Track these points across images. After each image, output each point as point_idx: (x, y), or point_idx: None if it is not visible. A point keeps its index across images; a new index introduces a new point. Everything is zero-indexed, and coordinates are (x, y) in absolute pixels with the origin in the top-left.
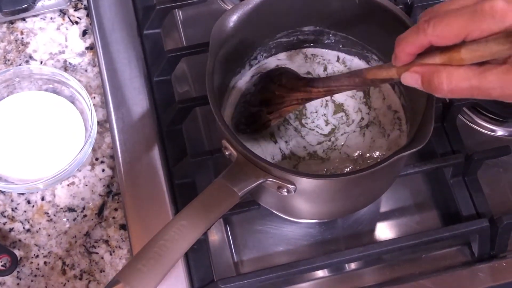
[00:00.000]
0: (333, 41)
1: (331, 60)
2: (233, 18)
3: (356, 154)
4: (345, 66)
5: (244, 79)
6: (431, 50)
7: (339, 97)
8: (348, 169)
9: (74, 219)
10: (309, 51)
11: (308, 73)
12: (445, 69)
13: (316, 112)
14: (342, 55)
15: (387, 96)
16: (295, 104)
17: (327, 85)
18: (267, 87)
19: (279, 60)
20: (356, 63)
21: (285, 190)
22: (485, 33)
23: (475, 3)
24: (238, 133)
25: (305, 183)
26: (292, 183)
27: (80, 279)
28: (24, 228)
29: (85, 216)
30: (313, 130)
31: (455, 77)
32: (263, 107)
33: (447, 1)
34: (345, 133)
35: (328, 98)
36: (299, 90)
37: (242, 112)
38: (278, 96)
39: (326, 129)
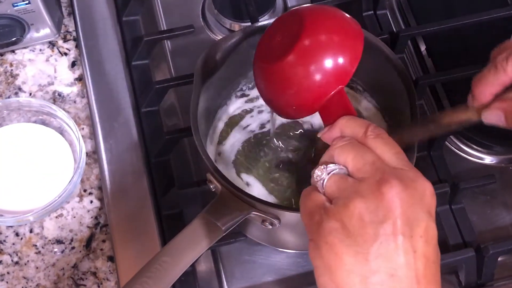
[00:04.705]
0: None
1: None
2: (217, 52)
3: None
4: None
5: (229, 111)
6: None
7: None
8: None
9: (62, 251)
10: None
11: None
12: None
13: None
14: None
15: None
16: None
17: (398, 135)
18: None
19: None
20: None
21: (269, 223)
22: None
23: None
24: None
25: (288, 216)
26: (276, 217)
27: None
28: (12, 260)
29: (73, 248)
30: None
31: None
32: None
33: None
34: None
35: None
36: None
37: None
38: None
39: None
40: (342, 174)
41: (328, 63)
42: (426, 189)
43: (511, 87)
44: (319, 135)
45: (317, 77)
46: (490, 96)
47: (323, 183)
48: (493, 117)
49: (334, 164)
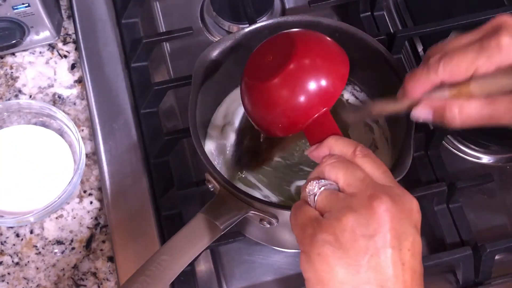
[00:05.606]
0: None
1: None
2: (215, 53)
3: None
4: None
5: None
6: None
7: None
8: None
9: (63, 252)
10: None
11: None
12: (456, 102)
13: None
14: None
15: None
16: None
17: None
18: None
19: None
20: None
21: (267, 222)
22: (493, 67)
23: (481, 38)
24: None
25: (286, 215)
26: (274, 216)
27: None
28: (13, 261)
29: (73, 248)
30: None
31: (466, 109)
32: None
33: (453, 38)
34: None
35: None
36: None
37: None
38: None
39: None
40: (333, 189)
41: (316, 87)
42: (413, 205)
43: (440, 86)
44: (306, 153)
45: (304, 98)
46: (420, 93)
47: (315, 197)
48: (422, 113)
49: (325, 180)
